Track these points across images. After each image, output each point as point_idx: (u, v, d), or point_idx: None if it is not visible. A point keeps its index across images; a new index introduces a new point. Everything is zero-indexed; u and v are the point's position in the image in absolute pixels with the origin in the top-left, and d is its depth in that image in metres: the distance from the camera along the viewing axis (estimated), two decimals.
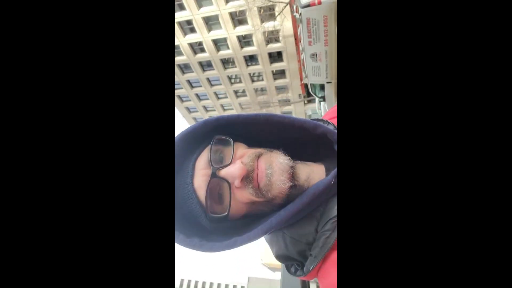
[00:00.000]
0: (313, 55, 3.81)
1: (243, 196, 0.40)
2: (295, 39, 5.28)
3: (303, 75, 4.61)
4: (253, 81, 13.84)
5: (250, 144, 0.45)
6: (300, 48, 4.21)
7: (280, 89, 13.93)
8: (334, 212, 0.39)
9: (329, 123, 0.47)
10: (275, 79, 13.47)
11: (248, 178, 0.39)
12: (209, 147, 0.41)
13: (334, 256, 0.38)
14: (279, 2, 9.61)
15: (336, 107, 0.55)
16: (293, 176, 0.40)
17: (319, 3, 3.26)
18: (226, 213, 0.39)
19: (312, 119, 0.47)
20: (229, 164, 0.39)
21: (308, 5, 3.31)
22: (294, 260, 0.42)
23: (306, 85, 4.83)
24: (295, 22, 4.23)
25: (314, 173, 0.43)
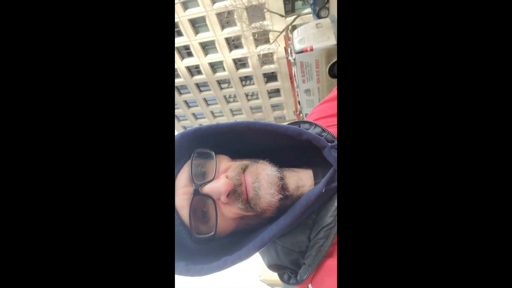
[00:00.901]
0: (307, 91, 4.23)
1: (231, 212, 0.37)
2: (290, 78, 5.74)
3: (298, 107, 5.00)
4: (248, 100, 14.32)
5: (234, 155, 0.42)
6: (295, 85, 4.63)
7: (275, 106, 14.42)
8: (327, 220, 0.38)
9: (316, 125, 0.45)
10: (270, 97, 13.98)
11: (235, 192, 0.37)
12: (189, 162, 0.38)
13: (328, 264, 0.37)
14: (273, 31, 10.23)
15: (320, 107, 0.55)
16: (282, 187, 0.38)
17: (311, 49, 3.72)
18: (213, 233, 0.37)
19: (295, 122, 0.46)
20: (213, 179, 0.37)
21: (301, 51, 3.76)
22: (286, 268, 0.41)
23: (300, 112, 5.23)
24: (290, 64, 4.67)
25: (303, 181, 0.42)
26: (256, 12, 10.05)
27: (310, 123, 0.46)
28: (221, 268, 0.35)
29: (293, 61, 4.00)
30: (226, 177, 0.37)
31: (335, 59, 3.71)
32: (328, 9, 6.82)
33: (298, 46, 3.84)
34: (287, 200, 0.39)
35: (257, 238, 0.36)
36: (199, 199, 0.37)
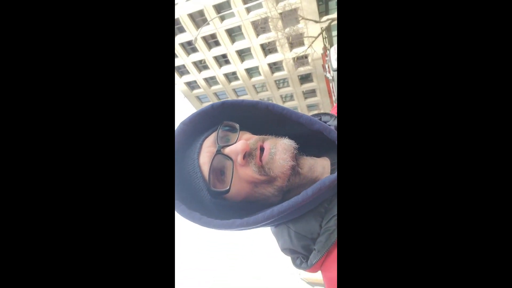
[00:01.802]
0: None
1: (246, 174, 0.41)
2: (328, 93, 5.92)
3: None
4: (284, 102, 14.54)
5: (255, 132, 0.46)
6: (333, 98, 4.85)
7: (311, 107, 14.42)
8: None
9: (335, 117, 0.47)
10: (305, 98, 14.02)
11: (250, 155, 0.41)
12: (217, 128, 0.43)
13: (336, 252, 0.38)
14: (308, 36, 10.26)
15: None
16: (296, 157, 0.41)
17: None
18: (228, 188, 0.40)
19: (317, 114, 0.49)
20: (234, 143, 0.41)
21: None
22: (299, 253, 0.43)
23: None
24: (328, 80, 4.89)
25: (318, 165, 0.45)
26: (290, 19, 10.18)
27: (331, 115, 0.49)
28: (229, 227, 0.38)
29: (331, 78, 4.25)
30: (245, 141, 0.41)
31: None
32: None
33: (335, 64, 4.11)
34: (300, 178, 0.42)
35: (267, 210, 0.38)
36: (220, 158, 0.41)
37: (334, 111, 0.56)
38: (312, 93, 13.72)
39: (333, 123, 0.48)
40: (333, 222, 0.40)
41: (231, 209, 0.43)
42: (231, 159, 0.40)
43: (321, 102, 13.85)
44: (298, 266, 0.44)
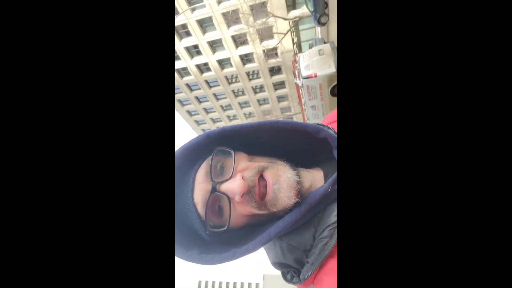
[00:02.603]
0: (313, 107, 5.11)
1: (244, 210, 0.40)
2: (298, 97, 6.58)
3: (305, 118, 5.89)
4: (255, 93, 15.03)
5: (252, 152, 0.44)
6: (302, 101, 5.51)
7: (281, 98, 15.13)
8: (332, 219, 0.39)
9: (329, 128, 0.46)
10: (275, 89, 14.66)
11: (249, 193, 0.39)
12: (209, 158, 0.41)
13: (330, 264, 0.37)
14: (277, 33, 10.70)
15: (335, 111, 0.57)
16: (299, 191, 0.40)
17: (315, 76, 4.54)
18: (225, 227, 0.39)
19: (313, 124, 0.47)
20: (230, 178, 0.39)
21: (307, 77, 4.60)
22: (290, 267, 0.42)
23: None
24: (298, 86, 5.52)
25: (316, 181, 0.44)
26: (259, 12, 10.55)
27: (324, 126, 0.47)
28: (231, 259, 0.37)
29: (300, 85, 4.85)
30: (242, 178, 0.39)
31: (335, 83, 4.53)
32: (327, 15, 7.42)
33: (304, 72, 4.68)
34: (300, 201, 0.40)
35: (264, 234, 0.38)
36: (216, 196, 0.39)
37: (325, 121, 0.55)
38: (281, 84, 14.39)
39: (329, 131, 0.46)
40: (327, 233, 0.39)
41: (228, 239, 0.42)
42: (228, 196, 0.39)
43: (289, 94, 14.61)
44: (289, 281, 0.42)
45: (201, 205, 0.40)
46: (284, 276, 0.44)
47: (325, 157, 0.47)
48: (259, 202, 0.39)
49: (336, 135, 0.43)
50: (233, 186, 0.38)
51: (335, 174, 0.41)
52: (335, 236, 0.38)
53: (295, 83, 5.68)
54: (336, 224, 0.39)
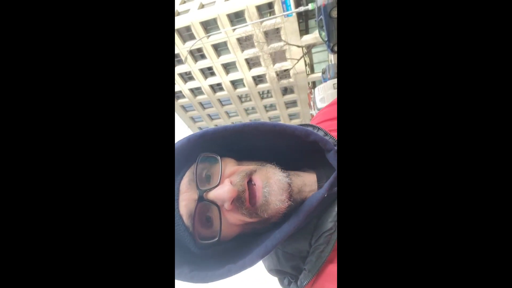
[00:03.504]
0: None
1: (235, 218, 0.37)
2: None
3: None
4: (267, 111, 15.33)
5: (240, 157, 0.42)
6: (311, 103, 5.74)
7: (292, 115, 15.35)
8: (328, 225, 0.38)
9: (318, 128, 0.44)
10: (287, 107, 14.91)
11: (239, 199, 0.36)
12: (193, 166, 0.38)
13: (328, 270, 0.37)
14: (291, 59, 11.03)
15: (324, 110, 0.56)
16: (290, 194, 0.38)
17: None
18: (216, 239, 0.36)
19: (301, 125, 0.44)
20: (218, 185, 0.37)
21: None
22: (287, 274, 0.41)
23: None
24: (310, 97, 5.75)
25: (307, 185, 0.42)
26: (273, 37, 10.95)
27: (314, 126, 0.45)
28: (226, 276, 0.34)
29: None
30: (230, 183, 0.37)
31: None
32: None
33: (319, 105, 4.87)
34: (292, 203, 0.38)
35: (260, 247, 0.35)
36: (204, 205, 0.37)
37: (314, 121, 0.54)
38: (293, 103, 14.63)
39: (318, 133, 0.43)
40: (323, 240, 0.38)
41: (221, 253, 0.40)
42: (217, 205, 0.36)
43: (301, 112, 14.81)
44: (286, 286, 0.42)
45: (187, 216, 0.37)
46: (281, 282, 0.43)
47: (317, 160, 0.44)
48: (250, 209, 0.37)
49: (326, 137, 0.42)
50: (221, 192, 0.35)
51: (331, 179, 0.39)
52: (332, 242, 0.37)
53: (311, 114, 5.88)
54: (332, 231, 0.38)
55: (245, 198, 0.37)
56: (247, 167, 0.39)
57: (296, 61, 10.97)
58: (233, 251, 0.39)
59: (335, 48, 7.72)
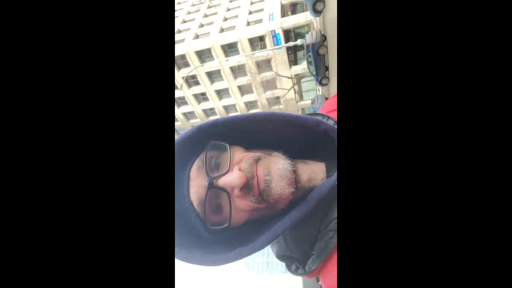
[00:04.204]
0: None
1: (244, 204, 0.38)
2: None
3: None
4: None
5: (248, 146, 0.42)
6: None
7: None
8: (337, 212, 0.39)
9: (328, 117, 0.45)
10: None
11: (247, 185, 0.37)
12: (203, 154, 0.39)
13: (336, 257, 0.37)
14: (281, 89, 11.68)
15: (333, 99, 0.55)
16: (295, 180, 0.38)
17: None
18: (227, 224, 0.37)
19: (310, 114, 0.45)
20: (227, 172, 0.37)
21: None
22: (295, 259, 0.42)
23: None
24: None
25: (315, 173, 0.42)
26: (264, 67, 11.60)
27: (323, 115, 0.46)
28: (237, 259, 0.35)
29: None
30: (239, 170, 0.37)
31: None
32: (328, 78, 8.26)
33: None
34: (299, 191, 0.39)
35: (270, 231, 0.36)
36: (214, 192, 0.37)
37: (323, 110, 0.55)
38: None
39: (327, 122, 0.43)
40: (332, 226, 0.38)
41: (232, 238, 0.40)
42: (226, 191, 0.37)
43: None
44: (294, 272, 0.42)
45: (197, 202, 0.38)
46: (289, 267, 0.43)
47: (327, 149, 0.44)
48: (258, 195, 0.37)
49: (336, 126, 0.42)
50: (231, 178, 0.36)
51: None
52: None
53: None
54: None
55: (253, 184, 0.37)
56: (254, 153, 0.40)
57: (286, 90, 11.57)
58: (243, 236, 0.40)
59: (323, 82, 8.30)
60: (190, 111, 14.76)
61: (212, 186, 0.37)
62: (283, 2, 11.67)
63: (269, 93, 12.65)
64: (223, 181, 0.37)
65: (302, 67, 11.64)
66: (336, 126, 0.42)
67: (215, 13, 13.55)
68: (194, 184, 0.38)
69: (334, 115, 0.48)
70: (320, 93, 9.02)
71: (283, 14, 11.56)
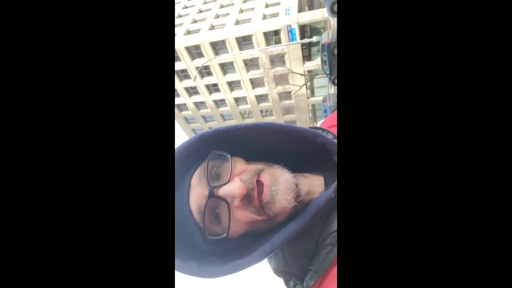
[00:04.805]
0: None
1: (243, 216, 0.38)
2: None
3: None
4: None
5: (249, 157, 0.43)
6: None
7: None
8: (335, 226, 0.38)
9: (328, 131, 0.45)
10: None
11: (248, 197, 0.37)
12: (204, 163, 0.39)
13: (334, 272, 0.36)
14: (293, 85, 11.71)
15: (333, 115, 0.56)
16: (297, 194, 0.38)
17: None
18: (225, 235, 0.37)
19: (310, 128, 0.45)
20: (227, 182, 0.38)
21: None
22: (293, 275, 0.41)
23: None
24: None
25: (314, 187, 0.42)
26: (277, 61, 11.61)
27: (323, 130, 0.47)
28: (233, 272, 0.35)
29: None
30: (240, 181, 0.37)
31: None
32: None
33: None
34: (298, 205, 0.39)
35: (267, 244, 0.36)
36: (213, 201, 0.38)
37: (324, 125, 0.55)
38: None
39: (326, 136, 0.43)
40: (330, 240, 0.38)
41: (229, 250, 0.40)
42: (226, 201, 0.37)
43: None
44: None
45: (197, 211, 0.38)
46: (287, 283, 0.43)
47: (325, 162, 0.45)
48: (258, 206, 0.37)
49: (335, 140, 0.43)
50: (232, 189, 0.37)
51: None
52: None
53: None
54: None
55: (254, 196, 0.37)
56: (256, 166, 0.40)
57: (298, 87, 11.61)
58: (240, 248, 0.40)
59: (336, 81, 8.35)
60: (201, 101, 14.98)
61: (212, 195, 0.37)
62: None
63: (280, 88, 12.71)
64: (223, 190, 0.37)
65: (315, 63, 11.60)
66: (335, 140, 0.43)
67: (232, 4, 13.48)
68: (194, 193, 0.39)
69: (334, 130, 0.49)
70: (332, 92, 9.08)
71: (300, 9, 11.45)
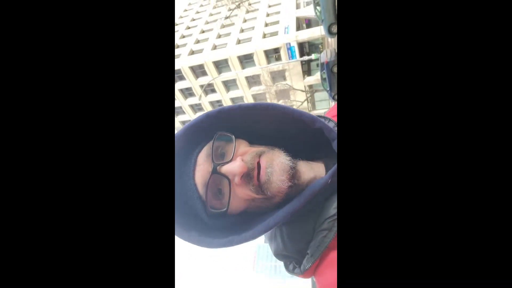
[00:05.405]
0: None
1: (243, 193, 0.40)
2: None
3: None
4: None
5: (252, 140, 0.45)
6: None
7: None
8: (331, 211, 0.40)
9: (329, 120, 0.47)
10: None
11: (248, 175, 0.40)
12: (211, 142, 0.42)
13: (331, 256, 0.38)
14: (295, 100, 12.05)
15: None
16: (293, 176, 0.40)
17: None
18: (225, 209, 0.40)
19: (316, 115, 0.47)
20: (230, 160, 0.40)
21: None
22: (292, 258, 0.43)
23: None
24: None
25: (315, 172, 0.44)
26: (278, 77, 12.01)
27: (325, 118, 0.48)
28: (229, 245, 0.38)
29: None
30: (242, 160, 0.40)
31: None
32: None
33: None
34: (297, 188, 0.41)
35: (263, 223, 0.38)
36: (216, 178, 0.40)
37: (329, 114, 0.55)
38: None
39: (328, 124, 0.45)
40: (326, 225, 0.40)
41: (228, 225, 0.43)
42: (228, 178, 0.40)
43: None
44: (291, 271, 0.44)
45: (201, 185, 0.41)
46: (287, 266, 0.45)
47: (326, 149, 0.47)
48: (257, 185, 0.40)
49: (335, 128, 0.44)
50: (233, 167, 0.39)
51: (335, 166, 0.41)
52: (334, 229, 0.39)
53: None
54: (335, 217, 0.40)
55: (253, 175, 0.40)
56: (258, 148, 0.43)
57: (300, 103, 11.96)
58: (238, 225, 0.42)
59: (336, 97, 8.67)
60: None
61: (215, 172, 0.40)
62: (298, 16, 12.05)
63: (282, 102, 13.08)
64: (225, 168, 0.40)
65: (315, 78, 11.98)
66: (335, 128, 0.44)
67: (233, 24, 14.06)
68: (200, 169, 0.41)
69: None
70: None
71: (298, 27, 11.93)
